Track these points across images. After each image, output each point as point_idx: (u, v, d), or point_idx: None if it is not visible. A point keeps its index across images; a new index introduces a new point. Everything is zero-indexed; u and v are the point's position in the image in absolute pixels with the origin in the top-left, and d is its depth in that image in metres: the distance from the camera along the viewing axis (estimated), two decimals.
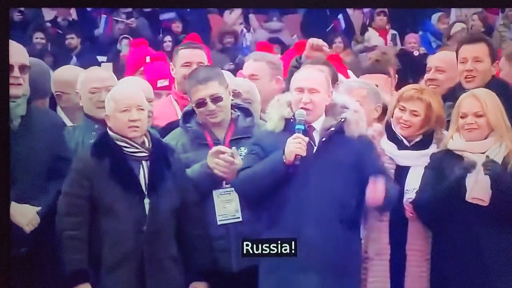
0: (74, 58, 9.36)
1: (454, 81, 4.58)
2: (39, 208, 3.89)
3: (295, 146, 3.82)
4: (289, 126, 3.93)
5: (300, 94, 3.93)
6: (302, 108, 3.90)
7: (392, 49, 7.06)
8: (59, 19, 10.09)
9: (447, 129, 4.11)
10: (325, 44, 4.75)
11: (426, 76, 4.65)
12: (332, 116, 3.96)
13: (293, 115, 3.91)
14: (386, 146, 4.09)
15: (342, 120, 3.93)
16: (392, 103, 4.14)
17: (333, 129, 3.91)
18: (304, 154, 3.83)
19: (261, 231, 3.96)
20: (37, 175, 3.93)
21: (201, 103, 4.11)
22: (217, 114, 4.10)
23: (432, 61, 4.71)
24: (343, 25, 10.10)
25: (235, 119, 4.16)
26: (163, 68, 5.24)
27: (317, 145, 3.92)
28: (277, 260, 3.88)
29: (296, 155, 3.82)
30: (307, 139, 3.86)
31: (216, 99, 4.09)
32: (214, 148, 4.01)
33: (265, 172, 3.89)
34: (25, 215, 3.87)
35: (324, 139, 3.92)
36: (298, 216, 3.87)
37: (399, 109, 4.09)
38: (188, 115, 4.20)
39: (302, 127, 3.88)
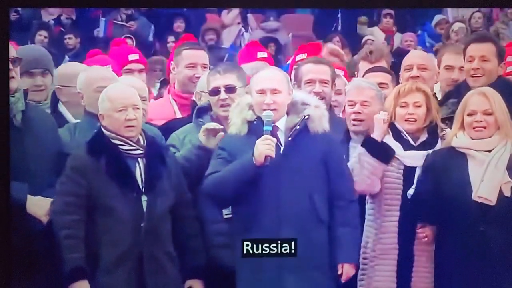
0: (67, 58, 9.32)
1: (433, 80, 4.64)
2: (52, 199, 3.94)
3: (264, 147, 3.85)
4: (252, 128, 3.95)
5: (263, 96, 3.95)
6: (265, 110, 3.92)
7: (384, 45, 6.82)
8: (62, 17, 10.06)
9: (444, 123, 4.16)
10: (342, 51, 4.74)
11: (408, 74, 4.63)
12: (295, 114, 3.99)
13: (256, 118, 3.93)
14: (391, 146, 4.08)
15: (306, 117, 3.96)
16: (390, 103, 4.14)
17: (298, 127, 3.95)
18: (273, 155, 3.85)
19: (239, 233, 3.96)
20: (44, 168, 3.96)
21: (215, 91, 4.19)
22: (228, 105, 4.12)
23: (412, 59, 4.71)
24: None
25: None
26: (130, 47, 5.18)
27: (283, 145, 3.95)
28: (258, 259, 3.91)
29: (266, 156, 3.84)
30: (275, 140, 3.88)
31: (229, 89, 4.18)
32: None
33: (235, 175, 3.91)
34: (41, 206, 3.92)
35: (290, 138, 3.94)
36: (272, 217, 3.90)
37: (401, 106, 4.10)
38: (201, 111, 4.25)
39: (270, 128, 3.90)
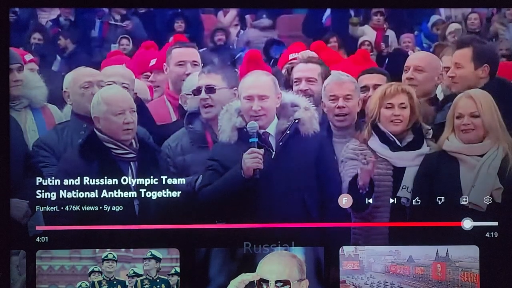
0: (58, 58, 9.25)
1: (433, 81, 4.58)
2: (27, 201, 3.95)
3: (251, 161, 3.88)
4: (243, 135, 3.96)
5: (250, 102, 3.97)
6: (253, 116, 3.95)
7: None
8: (61, 18, 10.03)
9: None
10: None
11: (404, 75, 4.58)
12: (285, 117, 4.02)
13: (245, 126, 3.95)
14: (378, 149, 4.13)
15: (296, 121, 3.99)
16: (375, 104, 4.16)
17: (288, 132, 3.98)
18: (261, 167, 3.88)
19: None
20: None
21: (197, 91, 4.18)
22: (209, 107, 4.13)
23: (411, 60, 4.67)
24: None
25: None
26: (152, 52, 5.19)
27: (275, 150, 3.97)
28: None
29: (254, 169, 3.88)
30: (262, 151, 3.91)
31: (209, 89, 4.15)
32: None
33: (226, 189, 3.92)
34: (19, 208, 3.93)
35: (281, 143, 3.97)
36: (266, 221, 3.93)
37: (386, 107, 4.14)
38: (192, 116, 4.23)
39: (256, 139, 3.92)
